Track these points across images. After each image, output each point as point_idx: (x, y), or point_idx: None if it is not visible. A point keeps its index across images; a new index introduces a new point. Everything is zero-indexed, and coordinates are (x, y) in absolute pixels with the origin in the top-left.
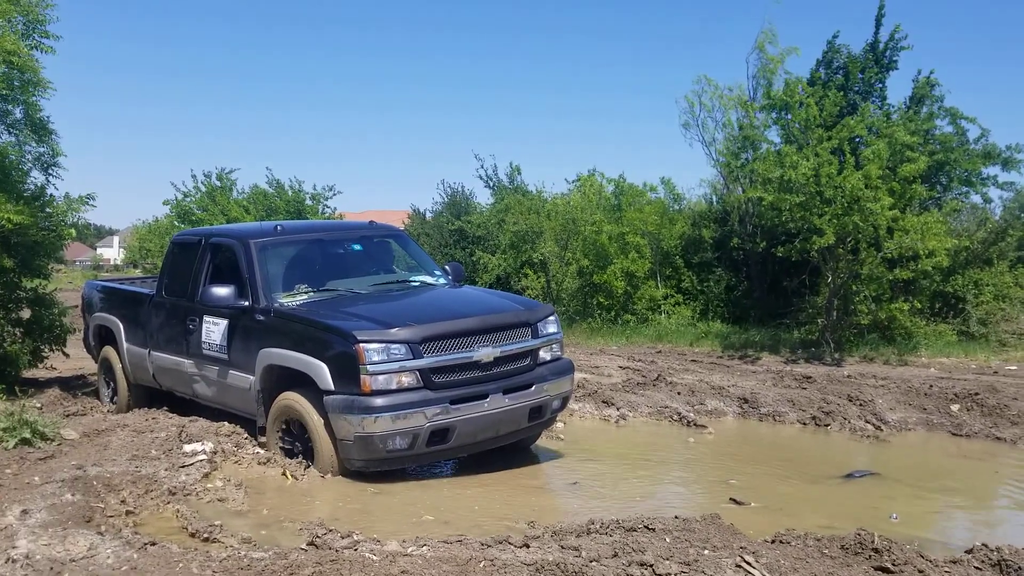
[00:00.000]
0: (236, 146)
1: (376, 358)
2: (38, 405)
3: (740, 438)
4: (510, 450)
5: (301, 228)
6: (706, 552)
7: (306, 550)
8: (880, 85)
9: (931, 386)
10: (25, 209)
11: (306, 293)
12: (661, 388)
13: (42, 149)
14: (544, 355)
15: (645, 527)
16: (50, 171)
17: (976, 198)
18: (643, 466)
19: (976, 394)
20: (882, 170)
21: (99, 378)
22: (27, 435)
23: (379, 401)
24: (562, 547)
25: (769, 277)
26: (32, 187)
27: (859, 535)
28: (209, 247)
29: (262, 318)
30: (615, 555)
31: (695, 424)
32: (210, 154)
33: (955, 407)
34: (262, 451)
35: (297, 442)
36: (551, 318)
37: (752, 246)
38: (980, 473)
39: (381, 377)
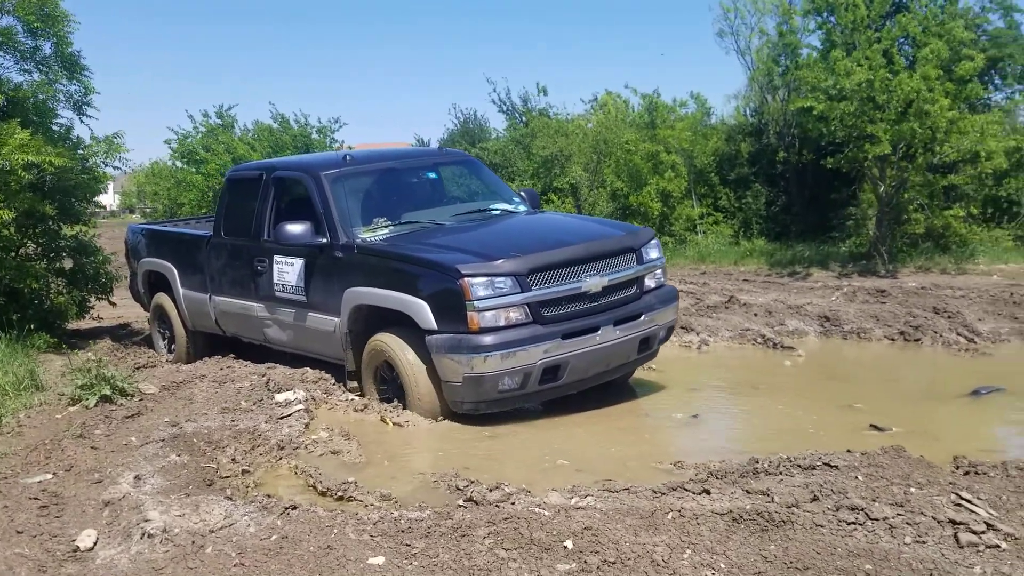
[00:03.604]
0: (234, 87)
1: (482, 293)
2: (95, 358)
3: (834, 358)
4: (609, 385)
5: (371, 157)
6: (913, 490)
7: (465, 506)
8: None
9: (1011, 294)
10: (64, 151)
11: (386, 227)
12: (735, 310)
13: (73, 87)
14: (649, 283)
15: (825, 464)
16: (82, 110)
17: None
18: (753, 394)
19: None
20: (938, 70)
21: (152, 326)
22: (107, 392)
23: (488, 339)
24: (747, 492)
25: (808, 190)
26: (60, 127)
27: None
28: (272, 182)
29: (342, 255)
30: (815, 498)
31: (781, 346)
32: (206, 98)
33: None
34: (355, 397)
35: (392, 386)
36: (653, 242)
37: (796, 159)
38: None
39: (489, 313)
